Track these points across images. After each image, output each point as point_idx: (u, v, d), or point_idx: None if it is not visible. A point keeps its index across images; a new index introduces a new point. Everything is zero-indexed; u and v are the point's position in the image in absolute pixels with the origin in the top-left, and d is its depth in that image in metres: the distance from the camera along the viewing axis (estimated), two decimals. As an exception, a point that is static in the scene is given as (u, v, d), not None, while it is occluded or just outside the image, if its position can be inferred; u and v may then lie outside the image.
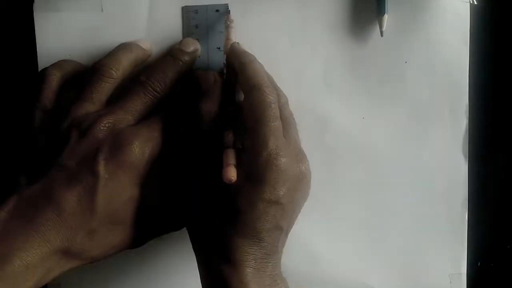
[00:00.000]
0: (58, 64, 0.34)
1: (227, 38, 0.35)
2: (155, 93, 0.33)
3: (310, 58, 0.37)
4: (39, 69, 0.35)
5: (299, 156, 0.32)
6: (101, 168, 0.30)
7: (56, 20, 0.35)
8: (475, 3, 0.36)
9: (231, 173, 0.29)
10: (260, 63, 0.33)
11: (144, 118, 0.33)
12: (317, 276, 0.38)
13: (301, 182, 0.31)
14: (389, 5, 0.35)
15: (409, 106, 0.37)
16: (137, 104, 0.32)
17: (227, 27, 0.35)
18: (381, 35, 0.36)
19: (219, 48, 0.36)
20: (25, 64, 0.36)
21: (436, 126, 0.37)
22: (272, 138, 0.30)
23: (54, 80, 0.33)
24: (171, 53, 0.34)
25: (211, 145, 0.32)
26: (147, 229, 0.33)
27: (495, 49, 0.38)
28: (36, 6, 0.35)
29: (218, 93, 0.33)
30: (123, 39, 0.36)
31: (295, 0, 0.36)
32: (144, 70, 0.34)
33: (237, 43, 0.35)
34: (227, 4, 0.36)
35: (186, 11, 0.35)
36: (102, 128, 0.31)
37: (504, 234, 0.40)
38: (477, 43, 0.37)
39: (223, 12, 0.36)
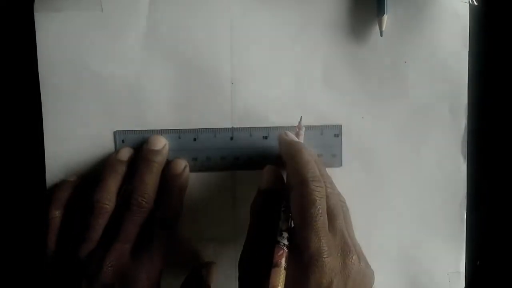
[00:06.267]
0: (57, 200, 0.35)
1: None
2: (142, 210, 0.33)
3: (310, 58, 0.37)
4: (39, 69, 0.35)
5: (345, 250, 0.30)
6: None
7: (56, 20, 0.35)
8: (475, 3, 0.36)
9: None
10: (308, 150, 0.32)
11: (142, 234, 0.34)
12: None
13: (348, 277, 0.29)
14: (389, 5, 0.35)
15: (409, 106, 0.37)
16: (131, 229, 0.33)
17: (297, 135, 0.35)
18: (381, 35, 0.36)
19: None
20: (25, 64, 0.36)
21: (436, 126, 0.37)
22: (314, 238, 0.29)
23: (57, 222, 0.34)
24: (142, 156, 0.35)
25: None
26: None
27: (495, 49, 0.38)
28: (36, 6, 0.35)
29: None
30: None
31: (295, 0, 0.36)
32: (126, 189, 0.34)
33: (285, 133, 0.35)
34: None
35: None
36: (107, 270, 0.32)
37: (502, 234, 0.40)
38: (477, 43, 0.37)
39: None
